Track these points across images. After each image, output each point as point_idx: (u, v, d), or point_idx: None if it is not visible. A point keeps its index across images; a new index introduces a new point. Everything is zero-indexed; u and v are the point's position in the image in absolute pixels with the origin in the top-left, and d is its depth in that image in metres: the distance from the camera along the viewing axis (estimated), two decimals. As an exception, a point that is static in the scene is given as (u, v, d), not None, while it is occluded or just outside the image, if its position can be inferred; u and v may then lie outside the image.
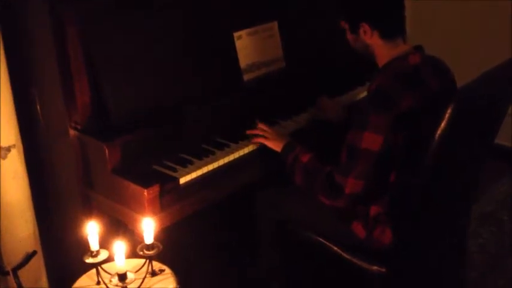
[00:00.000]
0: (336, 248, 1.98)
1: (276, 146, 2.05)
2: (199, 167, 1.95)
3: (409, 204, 1.81)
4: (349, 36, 1.94)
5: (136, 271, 1.78)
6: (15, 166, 2.04)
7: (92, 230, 1.73)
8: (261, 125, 2.12)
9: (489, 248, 2.78)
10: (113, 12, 1.97)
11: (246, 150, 2.07)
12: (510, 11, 3.20)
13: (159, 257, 1.78)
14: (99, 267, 1.74)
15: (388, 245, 1.88)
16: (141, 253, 1.75)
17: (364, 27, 1.86)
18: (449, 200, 1.89)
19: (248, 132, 2.11)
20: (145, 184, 1.81)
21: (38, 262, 2.16)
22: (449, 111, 1.60)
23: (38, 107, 2.07)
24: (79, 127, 1.95)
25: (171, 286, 1.75)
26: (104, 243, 1.76)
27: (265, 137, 2.08)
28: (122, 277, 1.71)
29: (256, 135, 2.10)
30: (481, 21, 3.35)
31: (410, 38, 1.92)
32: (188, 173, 1.92)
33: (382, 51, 1.89)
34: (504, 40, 3.20)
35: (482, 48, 3.32)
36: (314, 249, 2.04)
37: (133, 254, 1.78)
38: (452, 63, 1.96)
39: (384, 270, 1.88)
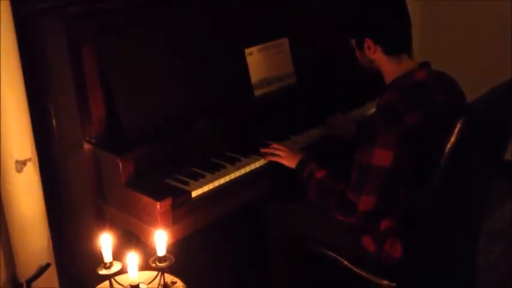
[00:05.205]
0: (346, 262, 1.98)
1: (290, 162, 2.06)
2: (211, 181, 1.97)
3: (419, 218, 1.81)
4: (357, 52, 1.97)
5: (149, 283, 1.79)
6: (30, 179, 2.05)
7: (105, 241, 1.74)
8: (274, 145, 2.13)
9: (501, 264, 2.76)
10: (126, 31, 2.00)
11: (257, 165, 2.10)
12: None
13: (171, 269, 1.79)
14: (112, 279, 1.76)
15: (398, 259, 1.88)
16: (154, 265, 1.76)
17: (368, 43, 1.89)
18: (459, 214, 1.89)
19: (262, 150, 2.13)
20: (158, 197, 1.82)
21: (52, 274, 2.18)
22: (458, 125, 1.60)
23: (54, 121, 2.10)
24: (93, 141, 1.98)
25: (183, 298, 1.77)
26: (116, 256, 1.78)
27: (279, 156, 2.09)
28: (135, 289, 1.72)
29: (270, 154, 2.11)
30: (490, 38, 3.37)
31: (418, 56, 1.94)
32: (200, 187, 1.94)
33: (388, 67, 1.91)
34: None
35: (492, 62, 3.33)
36: (325, 262, 2.04)
37: (145, 266, 1.80)
38: (462, 77, 1.97)
39: (394, 284, 1.88)
